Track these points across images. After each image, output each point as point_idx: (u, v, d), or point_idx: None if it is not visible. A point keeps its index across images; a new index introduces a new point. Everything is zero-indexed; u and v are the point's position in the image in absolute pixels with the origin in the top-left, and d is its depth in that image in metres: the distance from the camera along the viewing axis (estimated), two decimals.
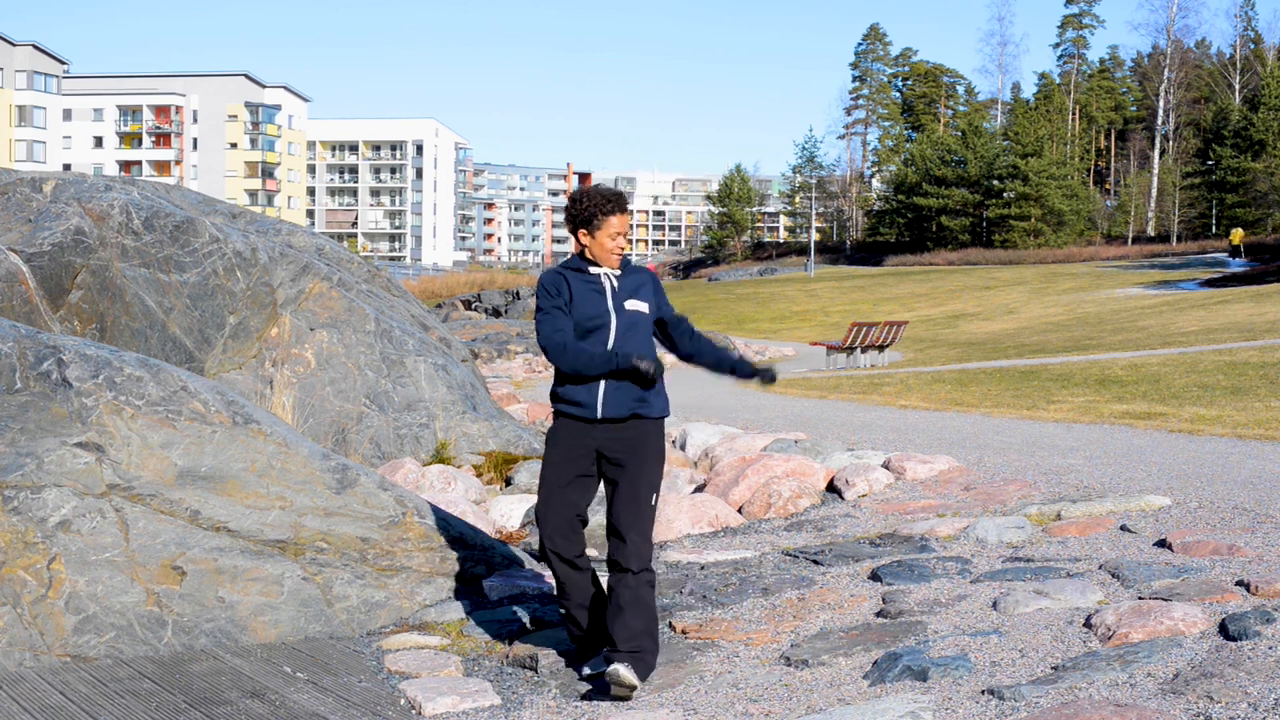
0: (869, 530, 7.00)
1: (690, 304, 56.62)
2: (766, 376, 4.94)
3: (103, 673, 5.01)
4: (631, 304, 4.76)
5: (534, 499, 8.75)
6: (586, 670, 4.88)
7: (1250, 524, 6.18)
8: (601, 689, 4.63)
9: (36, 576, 5.23)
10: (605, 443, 4.73)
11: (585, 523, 4.87)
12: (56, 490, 5.42)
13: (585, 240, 4.78)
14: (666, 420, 7.20)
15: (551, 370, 4.97)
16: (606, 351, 4.67)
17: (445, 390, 10.30)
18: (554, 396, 4.82)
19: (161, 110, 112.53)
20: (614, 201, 4.77)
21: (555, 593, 4.81)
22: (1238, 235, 60.95)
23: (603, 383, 4.69)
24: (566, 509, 4.78)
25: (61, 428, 5.59)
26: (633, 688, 4.53)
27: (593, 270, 4.78)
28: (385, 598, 5.88)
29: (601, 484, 4.87)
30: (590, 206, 4.75)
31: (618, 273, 4.80)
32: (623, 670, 4.50)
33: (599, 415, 4.70)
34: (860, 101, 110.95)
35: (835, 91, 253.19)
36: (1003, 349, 28.11)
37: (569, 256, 4.97)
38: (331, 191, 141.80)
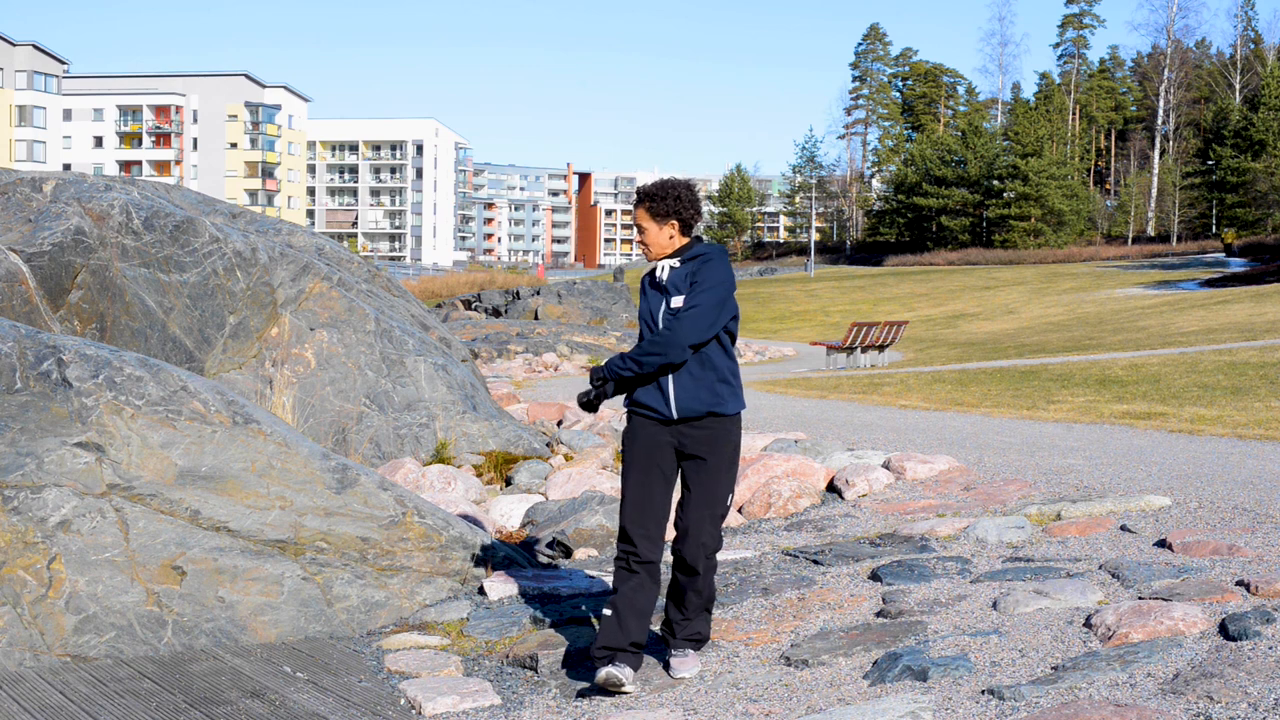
0: (869, 530, 7.00)
1: None
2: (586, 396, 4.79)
3: (103, 673, 5.01)
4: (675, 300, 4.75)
5: (533, 499, 8.74)
6: (610, 670, 4.61)
7: (1250, 524, 6.18)
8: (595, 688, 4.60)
9: (36, 576, 5.24)
10: (684, 441, 4.70)
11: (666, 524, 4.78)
12: (56, 490, 5.42)
13: (673, 232, 4.77)
14: None
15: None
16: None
17: (445, 390, 10.30)
18: (628, 397, 4.79)
19: (161, 110, 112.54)
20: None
21: (613, 596, 4.68)
22: (1230, 235, 62.30)
23: (671, 383, 4.65)
24: (655, 511, 4.70)
25: (61, 428, 5.59)
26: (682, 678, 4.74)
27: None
28: (385, 598, 5.88)
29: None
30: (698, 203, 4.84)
31: (675, 264, 4.78)
32: (683, 671, 4.74)
33: (674, 416, 4.66)
34: (860, 101, 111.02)
35: (835, 91, 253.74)
36: (1003, 349, 28.12)
37: (682, 245, 4.83)
38: (331, 191, 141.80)
